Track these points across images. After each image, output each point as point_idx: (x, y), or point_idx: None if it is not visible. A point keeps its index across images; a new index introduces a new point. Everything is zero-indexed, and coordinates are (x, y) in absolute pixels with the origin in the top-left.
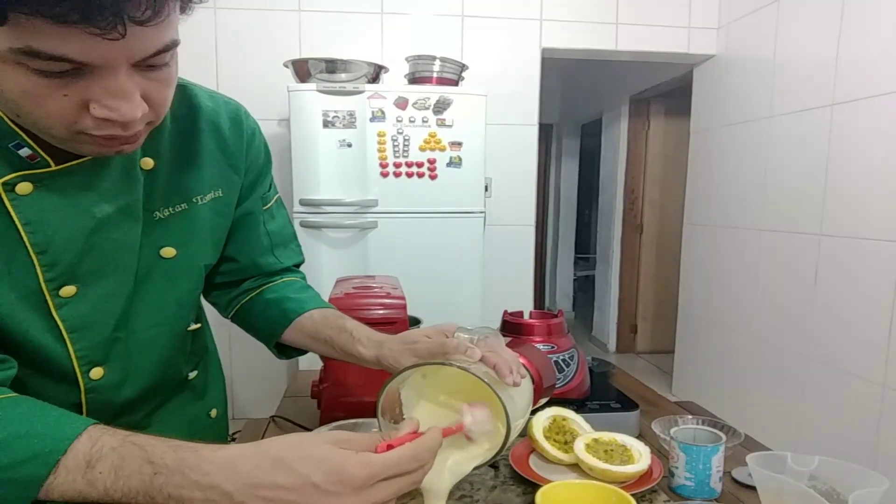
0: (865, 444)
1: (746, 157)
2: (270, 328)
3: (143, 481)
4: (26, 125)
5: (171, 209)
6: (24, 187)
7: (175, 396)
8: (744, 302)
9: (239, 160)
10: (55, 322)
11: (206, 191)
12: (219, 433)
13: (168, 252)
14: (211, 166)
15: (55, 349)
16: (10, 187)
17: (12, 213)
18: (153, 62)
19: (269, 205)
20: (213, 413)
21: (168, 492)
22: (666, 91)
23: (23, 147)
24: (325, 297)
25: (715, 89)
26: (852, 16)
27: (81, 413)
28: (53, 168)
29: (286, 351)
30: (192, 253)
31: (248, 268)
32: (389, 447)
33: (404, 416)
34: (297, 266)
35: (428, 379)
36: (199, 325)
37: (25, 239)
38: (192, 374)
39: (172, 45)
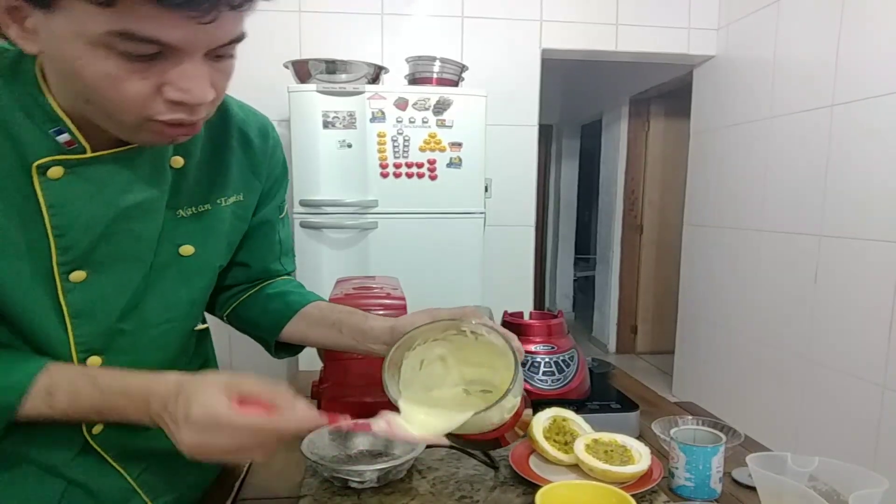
0: (865, 445)
1: (746, 158)
2: (274, 320)
3: (92, 403)
4: (92, 111)
5: (194, 209)
6: (55, 171)
7: None
8: (744, 302)
9: (262, 167)
10: (60, 306)
11: (229, 194)
12: None
13: (187, 250)
14: (236, 171)
15: (56, 333)
16: (42, 170)
17: (39, 195)
18: (223, 52)
19: (283, 214)
20: None
21: (113, 406)
22: (666, 92)
23: (62, 133)
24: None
25: (715, 90)
26: (852, 17)
27: None
28: (87, 155)
29: (283, 348)
30: (209, 253)
31: (258, 273)
32: (241, 403)
33: (400, 375)
34: (290, 274)
35: (440, 344)
36: (206, 325)
37: (47, 221)
38: None
39: (241, 38)
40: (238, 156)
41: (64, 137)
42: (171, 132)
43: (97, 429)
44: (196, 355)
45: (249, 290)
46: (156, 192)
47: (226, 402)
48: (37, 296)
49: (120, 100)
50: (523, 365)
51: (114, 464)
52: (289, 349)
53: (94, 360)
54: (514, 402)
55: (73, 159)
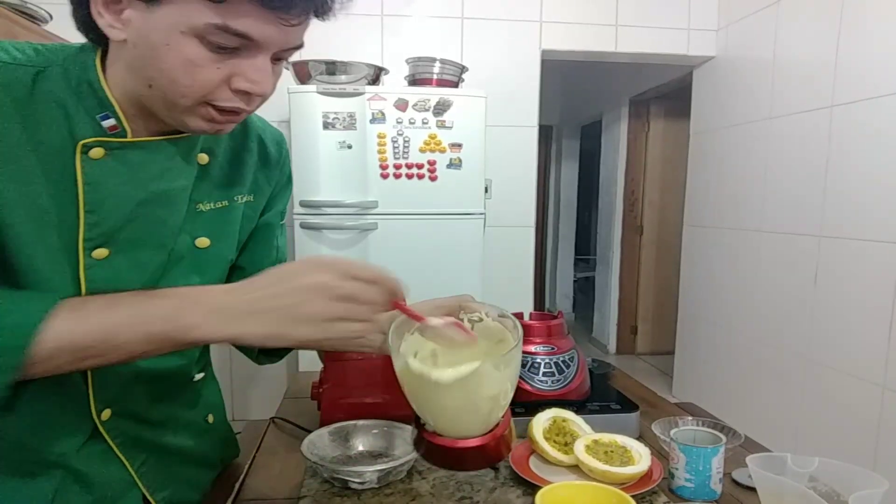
0: (865, 445)
1: (746, 159)
2: None
3: (132, 308)
4: (150, 95)
5: (212, 204)
6: (97, 152)
7: (179, 397)
8: (744, 303)
9: (273, 172)
10: (79, 280)
11: (244, 192)
12: (218, 438)
13: (202, 242)
14: (251, 173)
15: None
16: (86, 149)
17: (78, 172)
18: (284, 55)
19: (282, 221)
20: (210, 419)
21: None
22: (666, 93)
23: (108, 119)
24: None
25: (714, 91)
26: (852, 17)
27: (87, 379)
28: (128, 139)
29: (265, 354)
30: (222, 247)
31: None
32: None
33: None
34: None
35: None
36: None
37: (81, 197)
38: (199, 377)
39: (301, 46)
40: (255, 160)
41: (108, 123)
42: (221, 119)
43: (106, 414)
44: (202, 355)
45: None
46: (183, 182)
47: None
48: (59, 267)
49: (190, 84)
50: (523, 366)
51: (118, 453)
52: (270, 355)
53: None
54: (509, 383)
55: (115, 142)
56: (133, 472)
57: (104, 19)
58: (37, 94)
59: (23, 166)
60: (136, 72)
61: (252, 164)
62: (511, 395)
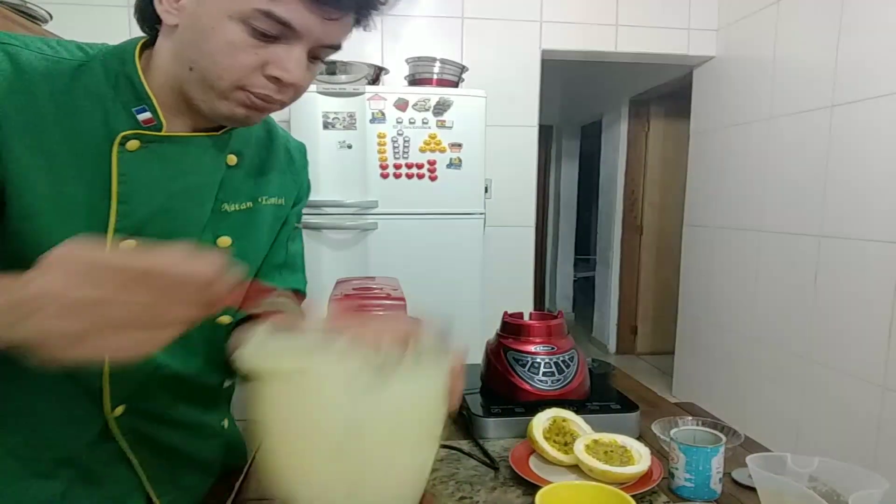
0: (865, 445)
1: (746, 159)
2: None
3: None
4: (190, 78)
5: (237, 205)
6: (133, 144)
7: (203, 401)
8: (744, 303)
9: (298, 177)
10: None
11: (271, 194)
12: (228, 443)
13: (224, 241)
14: (279, 177)
15: None
16: (124, 141)
17: (114, 163)
18: (321, 53)
19: (299, 224)
20: (225, 423)
21: None
22: (666, 93)
23: (144, 112)
24: (325, 298)
25: (715, 91)
26: (852, 17)
27: (102, 372)
28: (163, 133)
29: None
30: (245, 247)
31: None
32: None
33: None
34: (296, 293)
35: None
36: (229, 319)
37: (114, 187)
38: (228, 384)
39: (339, 48)
40: (282, 166)
41: (144, 116)
42: (253, 105)
43: (119, 410)
44: (222, 351)
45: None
46: (212, 179)
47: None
48: None
49: (229, 65)
50: (523, 365)
51: (127, 451)
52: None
53: None
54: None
55: (151, 135)
56: (142, 474)
57: (163, 6)
58: (76, 87)
59: (57, 157)
60: (180, 55)
61: (279, 169)
62: (414, 461)
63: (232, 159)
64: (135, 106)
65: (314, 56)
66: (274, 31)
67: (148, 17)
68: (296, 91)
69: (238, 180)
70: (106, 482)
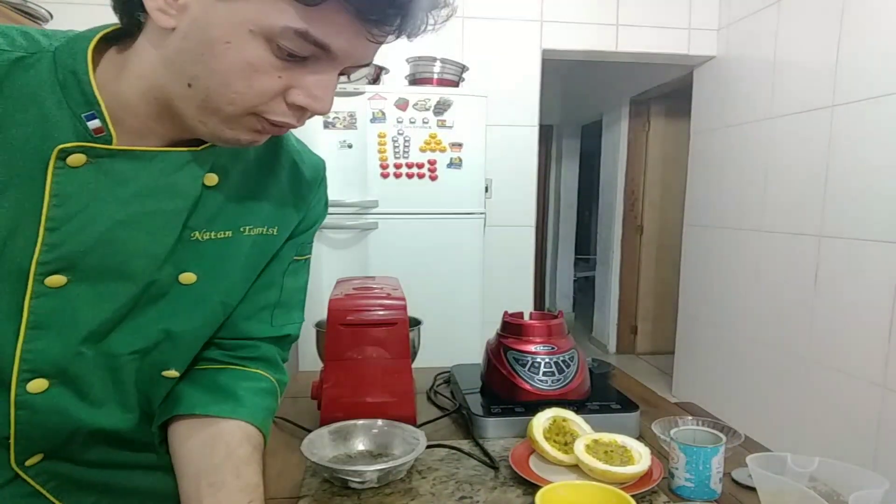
0: (865, 445)
1: (747, 159)
2: (168, 403)
3: None
4: (186, 96)
5: (213, 234)
6: (77, 159)
7: (141, 447)
8: (744, 303)
9: (305, 202)
10: (20, 311)
11: (258, 224)
12: None
13: (188, 278)
14: (275, 202)
15: (1, 343)
16: (64, 155)
17: (48, 181)
18: (350, 71)
19: (302, 258)
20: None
21: None
22: (666, 92)
23: (93, 119)
24: (325, 299)
25: (715, 90)
26: (852, 17)
27: (9, 433)
28: (116, 147)
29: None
30: (210, 285)
31: (239, 319)
32: None
33: None
34: (285, 339)
35: None
36: (176, 374)
37: (45, 210)
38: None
39: (369, 64)
40: (282, 186)
41: (95, 123)
42: (265, 131)
43: (33, 460)
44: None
45: (202, 364)
46: (179, 204)
47: None
48: None
49: (244, 91)
50: (524, 365)
51: (51, 497)
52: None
53: (38, 383)
54: None
55: (101, 148)
56: None
57: (156, 2)
58: (8, 86)
59: None
60: (176, 67)
61: (277, 192)
62: None
63: (211, 179)
64: (85, 111)
65: (341, 73)
66: (305, 53)
67: (129, 7)
68: (320, 115)
69: (217, 204)
70: None
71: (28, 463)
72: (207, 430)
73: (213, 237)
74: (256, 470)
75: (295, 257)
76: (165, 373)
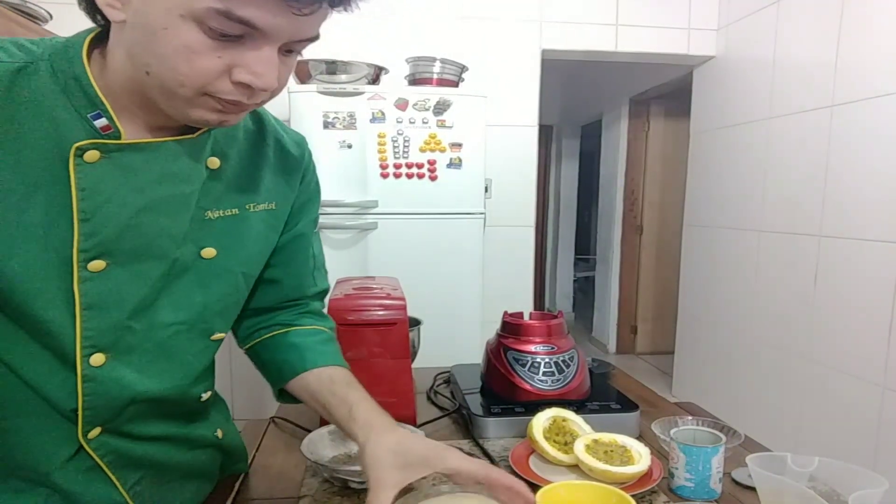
0: (865, 445)
1: (746, 159)
2: (282, 371)
3: None
4: (148, 83)
5: (222, 212)
6: (92, 155)
7: (185, 415)
8: (744, 303)
9: (296, 177)
10: (73, 295)
11: (259, 201)
12: (226, 452)
13: (208, 252)
14: (269, 179)
15: (62, 324)
16: (80, 152)
17: (72, 178)
18: (296, 47)
19: (316, 228)
20: (219, 433)
21: None
22: (666, 92)
23: (100, 118)
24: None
25: (715, 90)
26: (852, 17)
27: (77, 405)
28: (123, 141)
29: (286, 397)
30: (230, 258)
31: (290, 290)
32: None
33: None
34: (324, 293)
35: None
36: (223, 335)
37: (75, 204)
38: (206, 396)
39: (316, 38)
40: (273, 165)
41: (101, 122)
42: (225, 109)
43: (94, 433)
44: (210, 371)
45: (276, 329)
46: (189, 187)
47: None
48: (48, 283)
49: (188, 72)
50: (524, 365)
51: (108, 471)
52: (293, 398)
53: (98, 357)
54: None
55: (111, 144)
56: (124, 493)
57: None
58: (16, 95)
59: None
60: (135, 57)
61: (269, 170)
62: None
63: (214, 162)
64: (90, 111)
65: (289, 50)
66: (235, 31)
67: (91, 8)
68: (272, 93)
69: (223, 184)
70: (84, 499)
71: (90, 436)
72: (317, 377)
73: (222, 215)
74: (360, 386)
75: (314, 230)
76: (213, 336)
